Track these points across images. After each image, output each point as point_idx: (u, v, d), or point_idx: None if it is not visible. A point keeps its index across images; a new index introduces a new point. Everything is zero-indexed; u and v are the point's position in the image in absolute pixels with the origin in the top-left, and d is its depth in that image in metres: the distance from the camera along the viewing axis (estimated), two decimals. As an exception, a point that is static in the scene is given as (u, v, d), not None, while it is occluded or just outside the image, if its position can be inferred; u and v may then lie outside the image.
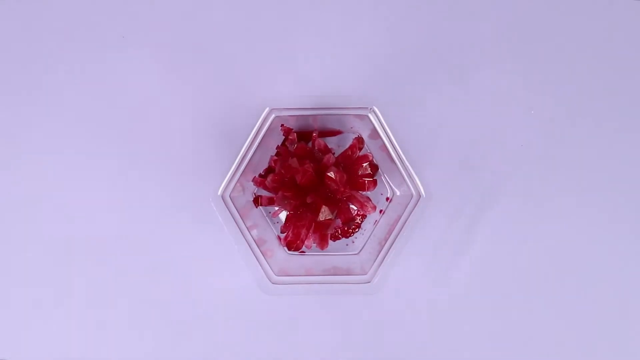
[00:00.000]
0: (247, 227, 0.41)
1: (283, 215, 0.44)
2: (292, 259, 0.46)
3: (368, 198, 0.42)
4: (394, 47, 0.48)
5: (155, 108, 0.48)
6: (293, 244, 0.42)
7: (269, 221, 0.47)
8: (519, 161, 0.48)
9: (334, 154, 0.42)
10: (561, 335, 0.48)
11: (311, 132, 0.44)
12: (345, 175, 0.41)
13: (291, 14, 0.48)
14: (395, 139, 0.41)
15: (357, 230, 0.47)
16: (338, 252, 0.46)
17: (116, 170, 0.48)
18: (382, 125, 0.41)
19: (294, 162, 0.40)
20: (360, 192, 0.42)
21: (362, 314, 0.48)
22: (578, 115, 0.48)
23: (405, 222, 0.41)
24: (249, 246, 0.41)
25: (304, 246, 0.42)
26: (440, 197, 0.47)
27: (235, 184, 0.41)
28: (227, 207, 0.41)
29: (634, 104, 0.48)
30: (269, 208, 0.46)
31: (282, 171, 0.41)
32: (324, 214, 0.40)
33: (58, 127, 0.48)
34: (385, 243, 0.42)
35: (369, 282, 0.41)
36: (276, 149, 0.44)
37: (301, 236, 0.41)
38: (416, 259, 0.48)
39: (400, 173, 0.41)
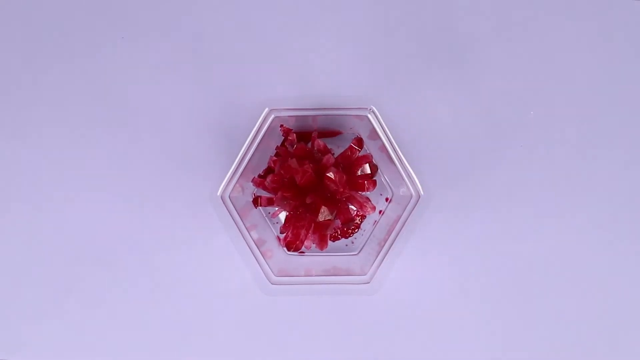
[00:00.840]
0: (246, 228, 0.41)
1: (282, 215, 0.44)
2: (292, 260, 0.46)
3: (367, 198, 0.42)
4: (394, 47, 0.48)
5: (154, 108, 0.48)
6: (292, 245, 0.42)
7: (268, 222, 0.47)
8: (519, 161, 0.48)
9: (333, 154, 0.42)
10: (560, 335, 0.48)
11: (311, 133, 0.44)
12: (344, 176, 0.41)
13: (291, 14, 0.48)
14: (394, 139, 0.41)
15: (356, 230, 0.47)
16: (337, 253, 0.46)
17: (116, 171, 0.48)
18: (381, 125, 0.41)
19: (293, 162, 0.40)
20: (360, 192, 0.42)
21: (361, 314, 0.48)
22: (578, 115, 0.48)
23: (405, 222, 0.41)
24: (249, 247, 0.41)
25: (303, 246, 0.42)
26: (440, 197, 0.47)
27: (235, 184, 0.41)
28: (227, 208, 0.41)
29: (633, 104, 0.48)
30: (269, 208, 0.46)
31: (282, 172, 0.41)
32: (324, 214, 0.40)
33: (57, 127, 0.48)
34: (384, 243, 0.42)
35: (368, 282, 0.41)
36: (275, 149, 0.44)
37: (301, 236, 0.41)
38: (416, 259, 0.48)
39: (400, 173, 0.41)
